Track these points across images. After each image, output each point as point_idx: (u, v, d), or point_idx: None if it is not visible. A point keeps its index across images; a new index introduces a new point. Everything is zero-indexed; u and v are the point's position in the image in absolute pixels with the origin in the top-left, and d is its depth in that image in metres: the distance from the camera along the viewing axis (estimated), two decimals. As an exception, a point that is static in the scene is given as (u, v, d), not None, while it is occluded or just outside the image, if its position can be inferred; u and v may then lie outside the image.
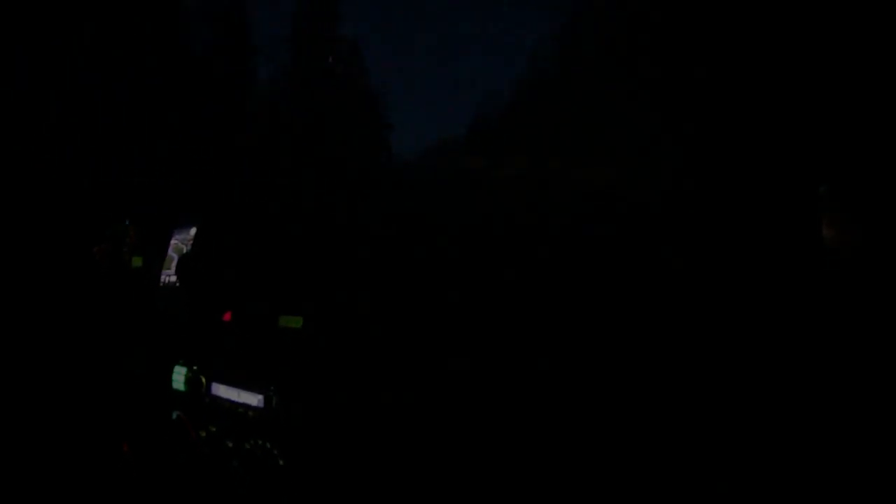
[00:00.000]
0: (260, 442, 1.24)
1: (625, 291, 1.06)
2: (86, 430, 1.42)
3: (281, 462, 1.22)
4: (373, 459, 1.14)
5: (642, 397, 0.99)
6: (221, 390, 1.29)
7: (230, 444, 1.29)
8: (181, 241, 1.51)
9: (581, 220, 1.22)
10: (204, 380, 1.32)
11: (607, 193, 1.29)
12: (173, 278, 1.49)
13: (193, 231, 1.49)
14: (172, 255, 1.52)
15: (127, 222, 1.67)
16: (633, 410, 0.99)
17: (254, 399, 1.23)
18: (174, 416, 1.37)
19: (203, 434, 1.33)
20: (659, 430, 0.96)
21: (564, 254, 1.14)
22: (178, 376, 1.35)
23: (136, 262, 1.62)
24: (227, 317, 1.34)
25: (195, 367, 1.34)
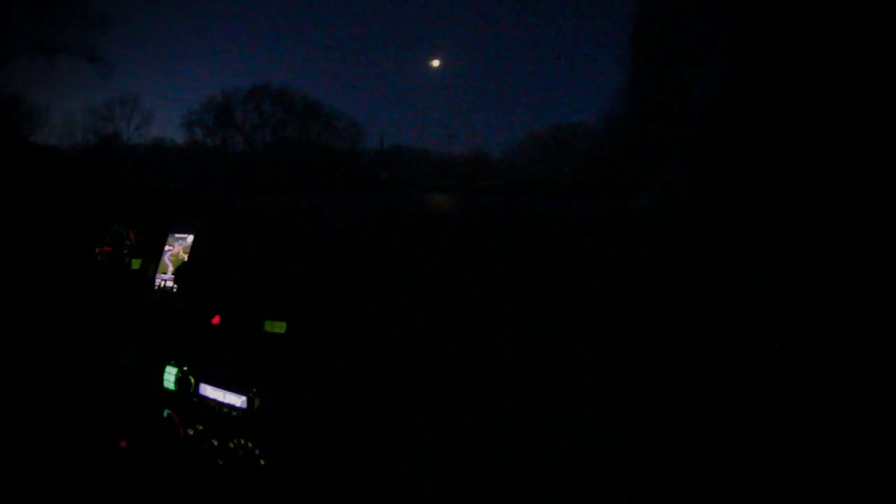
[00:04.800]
0: (242, 441, 1.30)
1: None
2: (85, 426, 1.49)
3: (262, 462, 1.28)
4: (351, 460, 1.19)
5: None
6: (208, 390, 1.36)
7: (215, 443, 1.35)
8: (181, 249, 1.57)
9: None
10: (193, 380, 1.38)
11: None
12: (170, 284, 1.56)
13: (191, 239, 1.56)
14: (167, 263, 1.59)
15: (127, 225, 1.74)
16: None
17: (237, 400, 1.30)
18: (165, 414, 1.44)
19: (191, 432, 1.39)
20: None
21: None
22: (169, 376, 1.41)
23: (135, 264, 1.69)
24: (216, 320, 1.41)
25: (185, 368, 1.40)
